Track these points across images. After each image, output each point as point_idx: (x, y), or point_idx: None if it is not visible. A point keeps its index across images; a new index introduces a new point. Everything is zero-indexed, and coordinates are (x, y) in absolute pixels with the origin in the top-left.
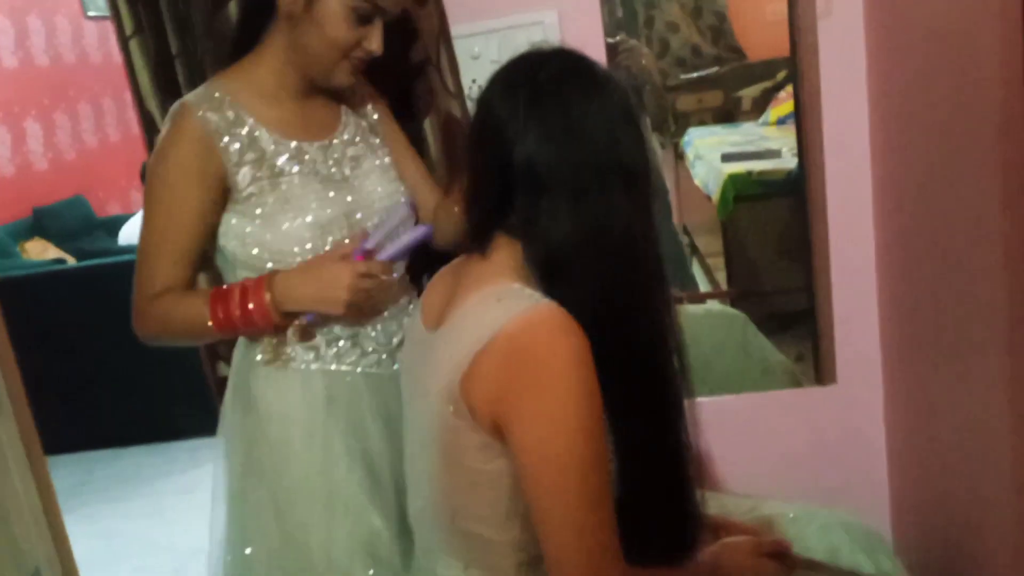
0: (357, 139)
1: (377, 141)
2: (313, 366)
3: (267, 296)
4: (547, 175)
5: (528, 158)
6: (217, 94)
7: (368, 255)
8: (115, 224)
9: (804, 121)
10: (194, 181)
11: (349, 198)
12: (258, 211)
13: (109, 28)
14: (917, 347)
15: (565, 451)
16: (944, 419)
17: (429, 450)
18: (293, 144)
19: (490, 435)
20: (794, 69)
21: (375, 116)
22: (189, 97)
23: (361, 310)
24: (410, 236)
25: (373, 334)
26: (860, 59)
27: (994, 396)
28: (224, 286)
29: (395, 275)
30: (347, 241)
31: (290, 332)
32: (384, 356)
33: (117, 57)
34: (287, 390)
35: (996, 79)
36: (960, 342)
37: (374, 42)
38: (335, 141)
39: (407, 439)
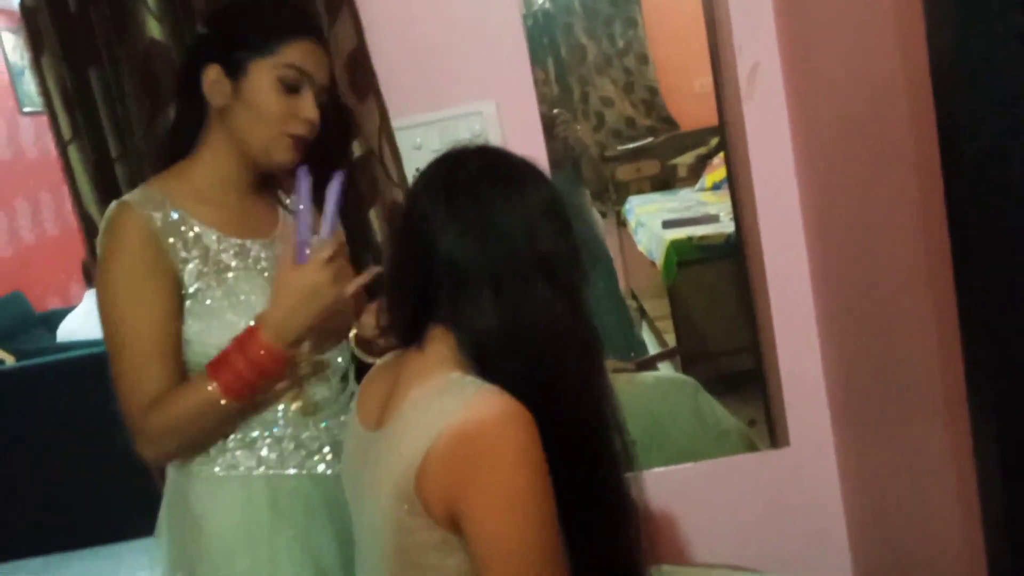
0: None
1: None
2: (255, 472)
3: (266, 337)
4: (467, 269)
5: (449, 252)
6: (157, 195)
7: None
8: (54, 319)
9: (737, 189)
10: (153, 277)
11: None
12: (206, 304)
13: (45, 123)
14: (862, 406)
15: (523, 543)
16: (896, 477)
17: (383, 553)
18: (236, 241)
19: (448, 530)
20: (724, 140)
21: None
22: (128, 197)
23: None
24: (332, 197)
25: (316, 433)
26: (784, 131)
27: (936, 450)
28: (211, 360)
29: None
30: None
31: (294, 407)
32: (330, 455)
33: (54, 152)
34: (228, 501)
35: (909, 155)
36: (901, 400)
37: (307, 109)
38: (275, 239)
39: (358, 543)
